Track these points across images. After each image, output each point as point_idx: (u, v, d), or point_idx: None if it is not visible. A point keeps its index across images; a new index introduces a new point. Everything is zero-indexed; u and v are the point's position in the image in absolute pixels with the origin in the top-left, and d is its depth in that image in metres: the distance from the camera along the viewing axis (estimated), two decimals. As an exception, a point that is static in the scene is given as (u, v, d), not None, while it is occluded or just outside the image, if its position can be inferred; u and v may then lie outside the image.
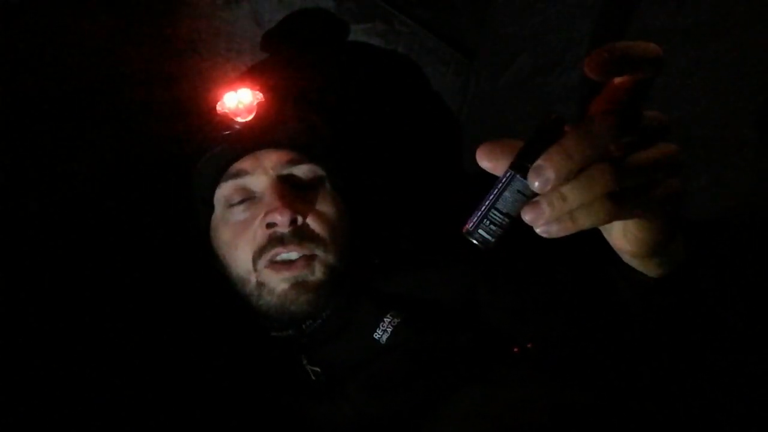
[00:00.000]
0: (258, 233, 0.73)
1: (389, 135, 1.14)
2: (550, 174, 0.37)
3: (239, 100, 0.77)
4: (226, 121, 0.76)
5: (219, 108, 0.77)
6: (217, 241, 0.78)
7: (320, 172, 0.79)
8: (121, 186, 0.92)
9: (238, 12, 0.99)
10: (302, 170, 0.78)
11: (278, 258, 0.72)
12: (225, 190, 0.77)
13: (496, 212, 0.41)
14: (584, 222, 0.38)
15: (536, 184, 0.38)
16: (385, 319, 0.73)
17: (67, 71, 0.87)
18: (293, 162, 0.77)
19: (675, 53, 0.89)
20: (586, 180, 0.37)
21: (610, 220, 0.39)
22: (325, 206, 0.77)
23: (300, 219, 0.73)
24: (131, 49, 0.91)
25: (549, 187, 0.37)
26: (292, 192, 0.75)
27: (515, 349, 0.73)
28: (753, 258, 0.79)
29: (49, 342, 0.74)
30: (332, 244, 0.75)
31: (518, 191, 0.40)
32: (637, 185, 0.39)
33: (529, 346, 0.73)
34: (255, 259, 0.73)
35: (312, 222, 0.75)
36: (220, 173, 0.77)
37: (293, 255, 0.72)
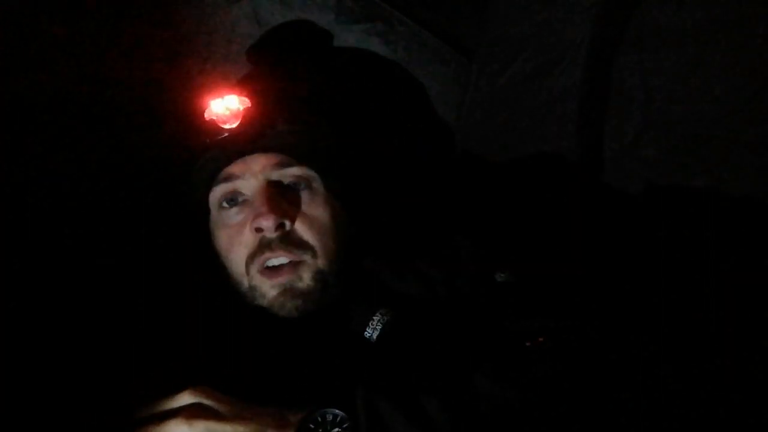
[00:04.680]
0: (249, 237, 0.74)
1: (388, 135, 1.14)
2: None
3: (226, 107, 0.77)
4: (213, 128, 0.77)
5: (206, 115, 0.77)
6: (216, 243, 0.79)
7: (311, 173, 0.79)
8: (121, 189, 0.93)
9: (239, 12, 0.99)
10: (292, 172, 0.78)
11: (268, 263, 0.74)
12: (217, 194, 0.78)
13: None
14: None
15: None
16: (374, 318, 0.74)
17: (60, 76, 0.87)
18: (282, 165, 0.77)
19: (675, 53, 0.89)
20: None
21: None
22: (316, 209, 0.77)
23: (288, 223, 0.74)
24: (129, 52, 0.91)
25: None
26: (280, 195, 0.76)
27: (527, 343, 0.74)
28: (753, 258, 0.79)
29: (52, 343, 0.74)
30: (322, 249, 0.75)
31: None
32: None
33: (540, 340, 0.73)
34: (248, 264, 0.75)
35: (301, 226, 0.75)
36: (212, 178, 0.79)
37: (282, 260, 0.74)
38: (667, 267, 0.85)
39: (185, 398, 0.58)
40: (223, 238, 0.77)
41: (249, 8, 1.00)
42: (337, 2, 1.03)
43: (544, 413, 0.59)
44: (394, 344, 0.72)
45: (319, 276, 0.75)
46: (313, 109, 0.87)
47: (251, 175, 0.76)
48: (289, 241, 0.74)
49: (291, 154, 0.78)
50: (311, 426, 0.54)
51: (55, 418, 0.66)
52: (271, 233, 0.73)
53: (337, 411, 0.55)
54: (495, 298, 0.77)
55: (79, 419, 0.65)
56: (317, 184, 0.79)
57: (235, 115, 0.77)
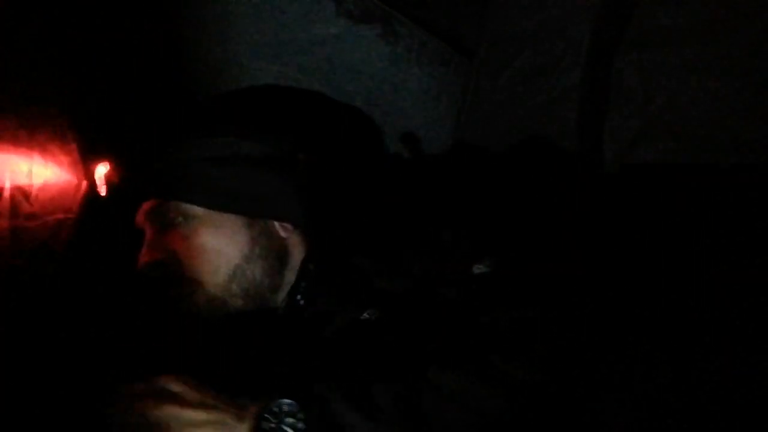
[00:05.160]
0: None
1: (388, 135, 1.14)
2: None
3: (98, 177, 0.85)
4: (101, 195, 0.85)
5: (98, 185, 0.85)
6: None
7: (182, 207, 0.79)
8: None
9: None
10: (163, 213, 0.80)
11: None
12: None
13: None
14: None
15: None
16: (362, 317, 0.75)
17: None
18: (153, 209, 0.80)
19: (675, 53, 0.89)
20: None
21: None
22: (196, 239, 0.79)
23: (170, 262, 0.78)
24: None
25: None
26: (159, 237, 0.79)
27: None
28: (752, 258, 0.79)
29: (38, 332, 0.76)
30: (209, 277, 0.78)
31: None
32: None
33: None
34: None
35: (185, 260, 0.78)
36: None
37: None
38: (666, 267, 0.85)
39: (158, 384, 0.62)
40: None
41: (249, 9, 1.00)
42: (337, 4, 1.03)
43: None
44: (366, 342, 0.73)
45: (214, 302, 0.78)
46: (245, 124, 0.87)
47: (143, 225, 0.82)
48: (172, 279, 0.78)
49: (161, 195, 0.81)
50: (266, 416, 0.59)
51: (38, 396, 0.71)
52: (154, 275, 0.77)
53: (291, 401, 0.60)
54: (471, 289, 0.77)
55: (60, 395, 0.72)
56: (195, 212, 0.80)
57: (104, 182, 0.85)
